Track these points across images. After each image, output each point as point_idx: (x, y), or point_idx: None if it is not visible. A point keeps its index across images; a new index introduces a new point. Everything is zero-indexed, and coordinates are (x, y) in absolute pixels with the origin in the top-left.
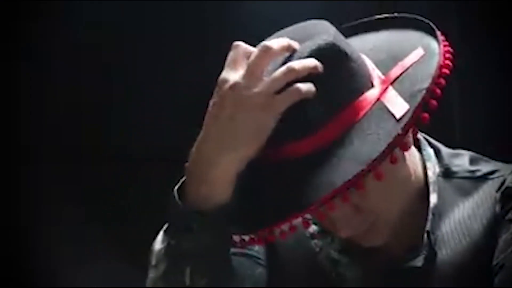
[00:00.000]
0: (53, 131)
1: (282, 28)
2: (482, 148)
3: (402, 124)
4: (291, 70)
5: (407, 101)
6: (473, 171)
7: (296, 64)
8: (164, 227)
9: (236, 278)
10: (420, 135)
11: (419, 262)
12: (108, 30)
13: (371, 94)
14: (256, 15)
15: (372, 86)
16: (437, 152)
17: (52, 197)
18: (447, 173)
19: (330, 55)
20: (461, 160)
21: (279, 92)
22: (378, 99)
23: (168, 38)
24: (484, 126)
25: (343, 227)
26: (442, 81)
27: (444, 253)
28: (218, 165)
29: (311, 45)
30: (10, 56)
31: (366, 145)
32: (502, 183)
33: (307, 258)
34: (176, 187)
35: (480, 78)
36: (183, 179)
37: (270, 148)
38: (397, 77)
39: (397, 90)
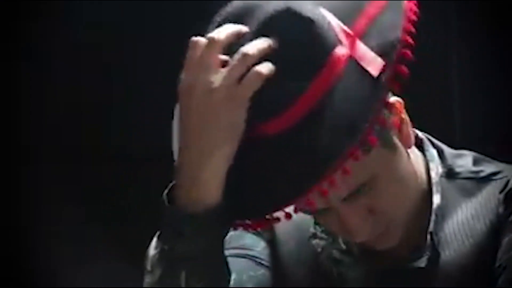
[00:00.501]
0: (53, 131)
1: None
2: (482, 148)
3: (382, 81)
4: (245, 56)
5: (381, 55)
6: (476, 172)
7: (250, 48)
8: (158, 232)
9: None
10: (423, 136)
11: (422, 263)
12: (108, 30)
13: (341, 54)
14: None
15: (340, 43)
16: (440, 153)
17: (52, 197)
18: (450, 173)
19: (287, 23)
20: (464, 161)
21: (241, 79)
22: (350, 57)
23: (168, 38)
24: (484, 126)
25: (358, 231)
26: (412, 28)
27: (447, 254)
28: (205, 167)
29: (263, 16)
30: (10, 56)
31: (351, 108)
32: (506, 184)
33: (309, 258)
34: (166, 191)
35: (480, 78)
36: (173, 182)
37: (254, 131)
38: (364, 30)
39: (366, 44)
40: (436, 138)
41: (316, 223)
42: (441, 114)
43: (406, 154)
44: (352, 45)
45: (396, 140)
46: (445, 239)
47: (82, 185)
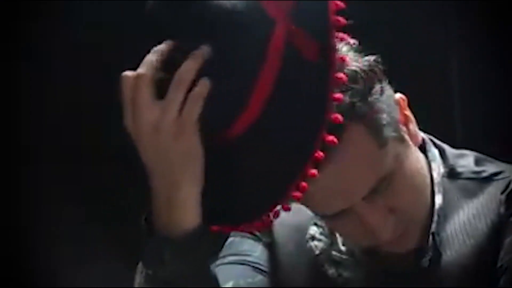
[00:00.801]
0: (53, 131)
1: None
2: (482, 148)
3: (325, 65)
4: (179, 83)
5: (316, 37)
6: (478, 172)
7: (182, 73)
8: (141, 257)
9: None
10: (425, 136)
11: (424, 263)
12: (108, 30)
13: (277, 43)
14: None
15: (273, 27)
16: (442, 153)
17: (52, 197)
18: (452, 173)
19: (206, 23)
20: (466, 161)
21: (182, 107)
22: (286, 42)
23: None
24: (484, 126)
25: (381, 231)
26: (341, 4)
27: (449, 254)
28: (175, 194)
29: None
30: (10, 56)
31: (304, 99)
32: (508, 185)
33: (309, 261)
34: (144, 217)
35: (481, 78)
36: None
37: (219, 138)
38: (292, 9)
39: (298, 25)
40: (437, 138)
41: (315, 224)
42: (442, 114)
43: (415, 151)
44: (287, 29)
45: (406, 136)
46: (447, 240)
47: (82, 185)
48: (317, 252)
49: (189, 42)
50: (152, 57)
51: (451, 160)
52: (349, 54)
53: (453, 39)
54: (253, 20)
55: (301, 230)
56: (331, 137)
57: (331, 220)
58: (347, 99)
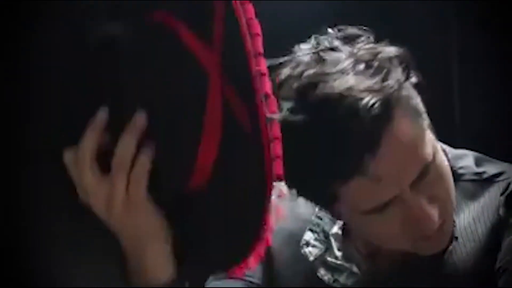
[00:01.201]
0: (53, 131)
1: (283, 29)
2: (482, 148)
3: (259, 145)
4: (120, 164)
5: (244, 100)
6: (479, 173)
7: (120, 153)
8: None
9: None
10: None
11: (426, 266)
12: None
13: (215, 103)
14: (257, 15)
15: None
16: (444, 153)
17: (52, 197)
18: (453, 176)
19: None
20: (466, 162)
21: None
22: (224, 103)
23: None
24: (484, 127)
25: (430, 220)
26: (262, 61)
27: (450, 257)
28: (143, 257)
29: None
30: (10, 56)
31: (245, 173)
32: (507, 186)
33: (304, 267)
34: (121, 272)
35: (481, 78)
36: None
37: (182, 190)
38: (220, 60)
39: (229, 80)
40: (437, 138)
41: (310, 230)
42: (442, 114)
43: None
44: (220, 84)
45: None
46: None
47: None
48: (311, 258)
49: (125, 107)
50: (93, 127)
51: (452, 162)
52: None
53: (453, 39)
54: (187, 72)
55: (296, 236)
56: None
57: (371, 217)
58: (389, 85)
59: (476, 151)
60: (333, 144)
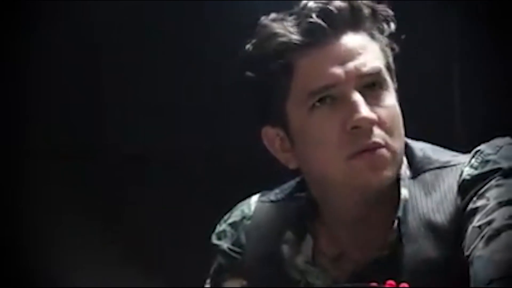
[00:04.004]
0: (53, 131)
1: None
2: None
3: None
4: None
5: None
6: (436, 162)
7: None
8: None
9: None
10: None
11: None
12: (108, 30)
13: None
14: (257, 15)
15: None
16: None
17: (52, 197)
18: (415, 167)
19: None
20: (422, 152)
21: None
22: None
23: (168, 38)
24: (484, 126)
25: (363, 108)
26: None
27: (411, 247)
28: None
29: None
30: (11, 55)
31: None
32: (461, 174)
33: (279, 265)
34: None
35: (481, 78)
36: None
37: None
38: None
39: None
40: (437, 138)
41: (290, 230)
42: (442, 114)
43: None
44: None
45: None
46: (409, 234)
47: (82, 185)
48: (285, 256)
49: None
50: None
51: (416, 154)
52: None
53: (453, 38)
54: None
55: (276, 233)
56: None
57: (315, 115)
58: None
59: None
60: None
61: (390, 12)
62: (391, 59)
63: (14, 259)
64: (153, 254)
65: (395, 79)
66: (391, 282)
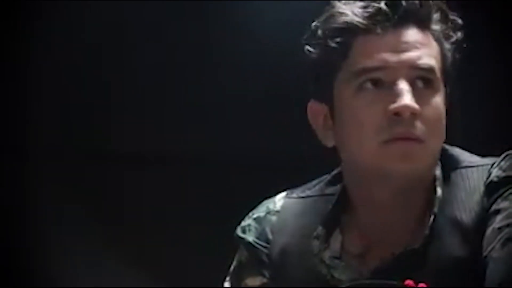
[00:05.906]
0: (53, 131)
1: (283, 28)
2: (482, 148)
3: None
4: None
5: None
6: (462, 162)
7: None
8: None
9: None
10: None
11: (415, 255)
12: (108, 30)
13: None
14: (257, 15)
15: None
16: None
17: (52, 197)
18: (446, 167)
19: None
20: (452, 152)
21: None
22: None
23: (168, 39)
24: (484, 127)
25: (402, 100)
26: None
27: (439, 245)
28: None
29: None
30: (11, 55)
31: None
32: (488, 177)
33: (307, 260)
34: None
35: (481, 78)
36: None
37: None
38: None
39: None
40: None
41: (320, 224)
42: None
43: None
44: None
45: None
46: (438, 233)
47: (82, 185)
48: (315, 251)
49: None
50: None
51: (445, 154)
52: None
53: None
54: None
55: (307, 229)
56: None
57: (360, 97)
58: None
59: (477, 151)
60: None
61: (460, 21)
62: (450, 65)
63: (14, 259)
64: (153, 254)
65: (450, 86)
66: (409, 282)
